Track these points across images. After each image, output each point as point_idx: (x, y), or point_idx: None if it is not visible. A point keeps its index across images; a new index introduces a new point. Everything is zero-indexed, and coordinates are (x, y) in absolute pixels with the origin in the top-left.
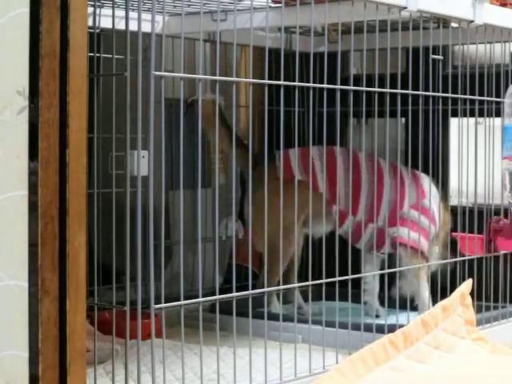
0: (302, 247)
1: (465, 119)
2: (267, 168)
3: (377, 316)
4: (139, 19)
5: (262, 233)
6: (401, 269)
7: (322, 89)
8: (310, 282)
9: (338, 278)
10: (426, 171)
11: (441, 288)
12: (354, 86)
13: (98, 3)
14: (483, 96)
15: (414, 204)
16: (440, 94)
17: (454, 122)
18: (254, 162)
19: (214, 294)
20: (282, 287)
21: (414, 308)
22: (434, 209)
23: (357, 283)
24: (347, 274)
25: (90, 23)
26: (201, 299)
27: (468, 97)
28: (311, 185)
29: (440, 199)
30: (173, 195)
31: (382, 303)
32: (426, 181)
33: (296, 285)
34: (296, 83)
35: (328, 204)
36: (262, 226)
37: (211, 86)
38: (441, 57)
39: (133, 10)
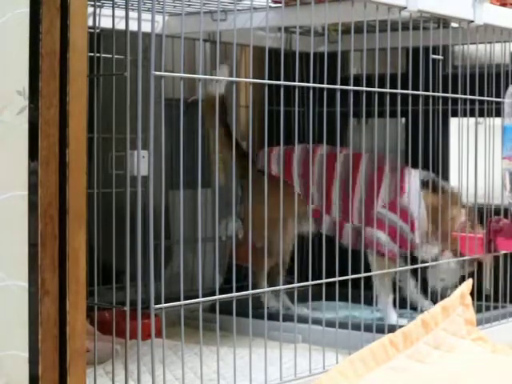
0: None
1: (465, 119)
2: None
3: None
4: (139, 19)
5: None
6: (404, 268)
7: (322, 89)
8: (310, 282)
9: (338, 278)
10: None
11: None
12: (354, 86)
13: (97, 3)
14: (483, 96)
15: (388, 202)
16: (440, 94)
17: (454, 121)
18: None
19: (214, 294)
20: (282, 287)
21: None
22: (414, 207)
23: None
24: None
25: (90, 23)
26: (201, 299)
27: (468, 97)
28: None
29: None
30: (173, 195)
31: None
32: (410, 177)
33: (296, 285)
34: (296, 83)
35: (306, 203)
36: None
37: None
38: (441, 57)
39: (133, 9)
